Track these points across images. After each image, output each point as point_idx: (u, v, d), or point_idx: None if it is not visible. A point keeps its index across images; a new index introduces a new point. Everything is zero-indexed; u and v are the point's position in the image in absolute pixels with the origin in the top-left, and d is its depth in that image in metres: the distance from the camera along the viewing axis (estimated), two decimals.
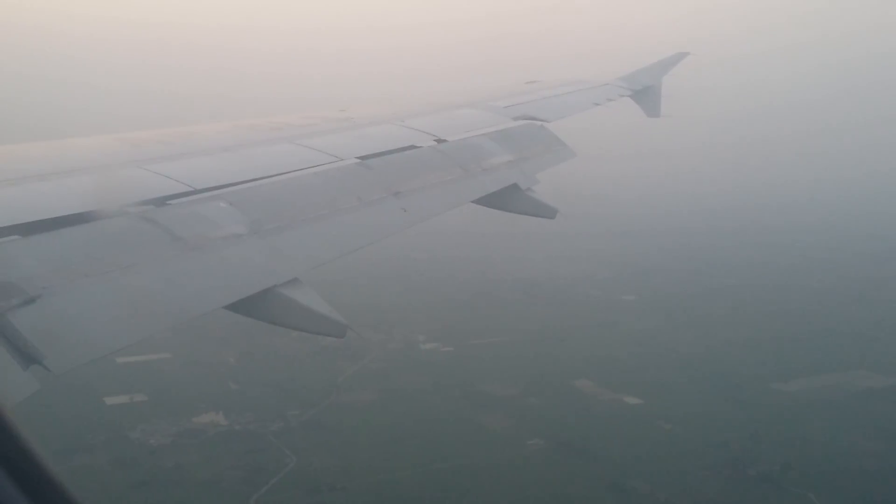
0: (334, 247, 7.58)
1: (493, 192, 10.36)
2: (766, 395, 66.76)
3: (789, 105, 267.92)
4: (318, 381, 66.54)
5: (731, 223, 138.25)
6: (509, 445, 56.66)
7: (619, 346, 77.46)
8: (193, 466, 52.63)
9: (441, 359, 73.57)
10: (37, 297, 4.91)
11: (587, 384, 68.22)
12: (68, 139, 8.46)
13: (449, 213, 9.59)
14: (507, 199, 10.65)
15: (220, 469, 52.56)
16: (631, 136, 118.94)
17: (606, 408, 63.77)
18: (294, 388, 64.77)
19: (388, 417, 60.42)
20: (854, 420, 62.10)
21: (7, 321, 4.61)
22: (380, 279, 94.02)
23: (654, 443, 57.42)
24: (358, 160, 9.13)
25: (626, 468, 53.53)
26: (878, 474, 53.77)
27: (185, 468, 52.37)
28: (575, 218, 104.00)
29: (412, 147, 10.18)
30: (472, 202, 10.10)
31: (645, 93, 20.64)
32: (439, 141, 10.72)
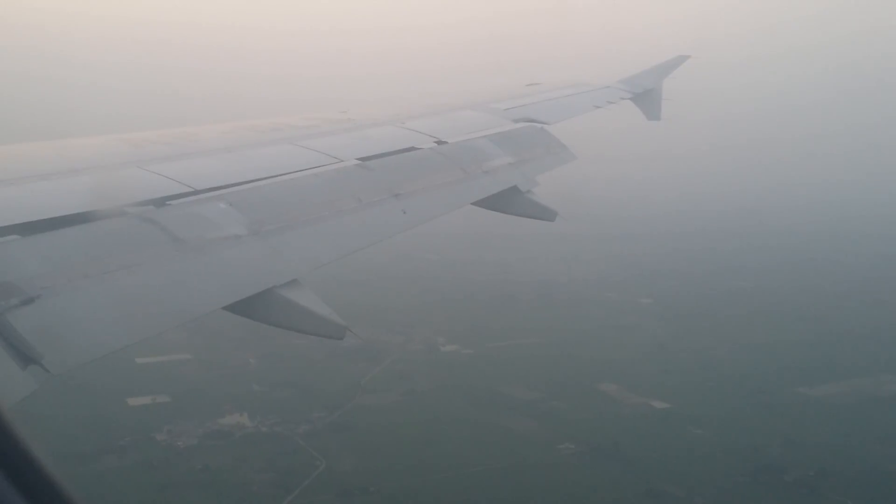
0: (334, 248, 7.58)
1: (493, 194, 10.38)
2: (792, 400, 66.19)
3: (791, 108, 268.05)
4: (340, 382, 66.25)
5: (736, 225, 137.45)
6: (540, 449, 56.14)
7: (641, 350, 76.83)
8: (223, 469, 52.33)
9: (462, 361, 73.22)
10: (36, 298, 4.91)
11: (612, 388, 67.69)
12: (68, 139, 8.47)
13: (449, 215, 9.59)
14: (507, 201, 10.66)
15: (250, 472, 52.21)
16: (631, 139, 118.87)
17: (634, 412, 63.27)
18: (317, 390, 64.43)
19: (414, 420, 60.08)
20: (885, 426, 61.20)
21: (6, 321, 4.61)
22: (394, 281, 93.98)
23: (685, 448, 56.89)
24: (358, 161, 9.15)
25: (660, 473, 53.03)
26: None
27: (214, 470, 52.08)
28: (579, 220, 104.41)
29: (412, 148, 10.19)
30: (472, 204, 10.11)
31: (645, 96, 20.67)
32: (439, 142, 10.74)
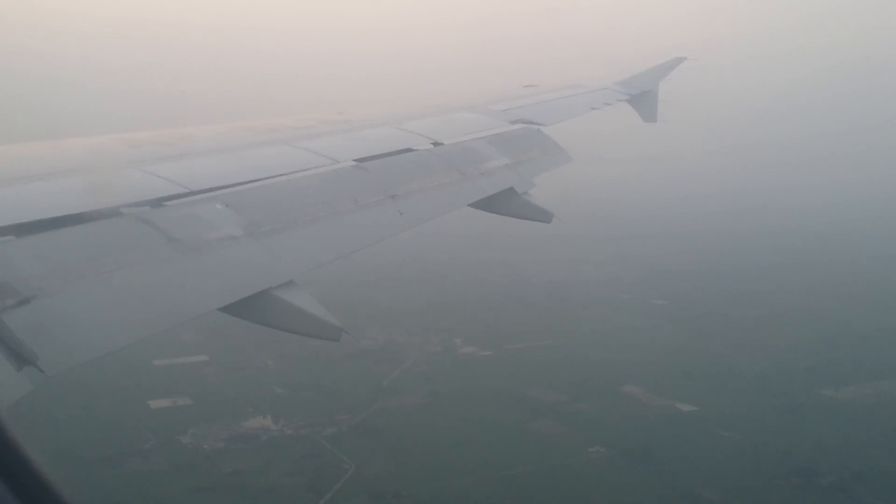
0: (330, 249, 7.61)
1: (490, 195, 10.40)
2: (818, 403, 65.51)
3: (789, 108, 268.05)
4: (361, 384, 65.79)
5: (739, 226, 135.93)
6: (569, 452, 55.50)
7: (661, 352, 76.15)
8: (252, 472, 51.70)
9: (481, 363, 72.68)
10: (31, 298, 4.92)
11: (636, 390, 67.01)
12: (65, 139, 8.47)
13: (446, 217, 9.62)
14: (504, 202, 10.70)
15: (279, 475, 51.58)
16: (628, 141, 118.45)
17: (660, 414, 62.69)
18: (338, 392, 63.97)
19: (439, 422, 59.56)
20: None
21: (1, 322, 4.61)
22: (402, 282, 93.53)
23: (716, 451, 56.29)
24: (355, 162, 9.17)
25: (693, 477, 52.47)
26: None
27: (243, 474, 51.49)
28: (579, 221, 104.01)
29: (409, 150, 10.22)
30: (469, 205, 10.13)
31: (642, 97, 20.72)
32: (436, 144, 10.76)
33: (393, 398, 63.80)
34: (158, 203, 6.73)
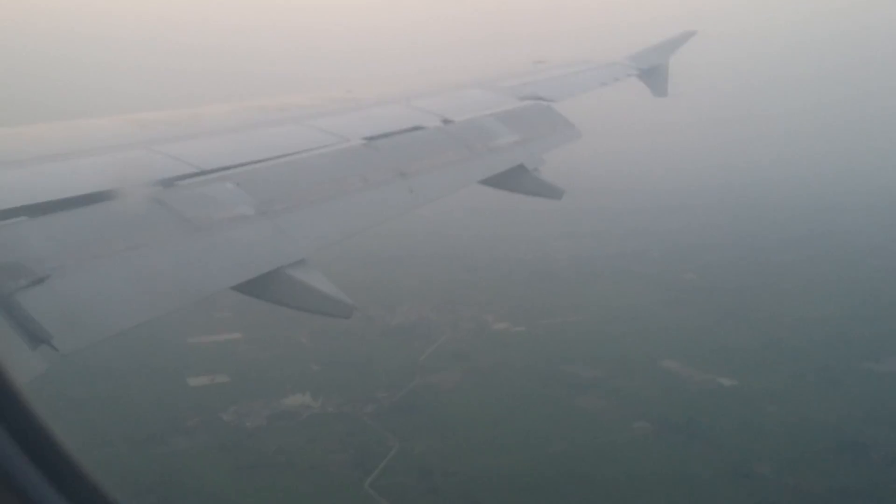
0: (341, 227, 7.65)
1: (500, 172, 10.40)
2: (860, 376, 64.59)
3: (801, 78, 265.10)
4: (397, 361, 65.55)
5: (759, 198, 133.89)
6: (614, 428, 55.12)
7: (695, 325, 75.39)
8: (296, 450, 51.55)
9: (515, 339, 72.15)
10: (45, 278, 4.97)
11: (674, 365, 66.47)
12: (75, 120, 8.51)
13: (456, 195, 9.63)
14: (514, 179, 10.71)
15: (324, 453, 51.49)
16: (639, 116, 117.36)
17: (703, 389, 62.10)
18: (375, 369, 63.73)
19: (480, 399, 59.28)
20: None
21: (15, 301, 4.66)
22: (425, 258, 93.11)
23: (763, 425, 55.73)
24: (364, 141, 9.18)
25: (743, 451, 51.89)
26: None
27: (288, 452, 51.34)
28: (594, 196, 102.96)
29: (419, 128, 10.21)
30: (479, 182, 10.14)
31: (652, 72, 20.62)
32: (446, 121, 10.75)
33: (430, 375, 63.53)
34: (170, 183, 6.77)
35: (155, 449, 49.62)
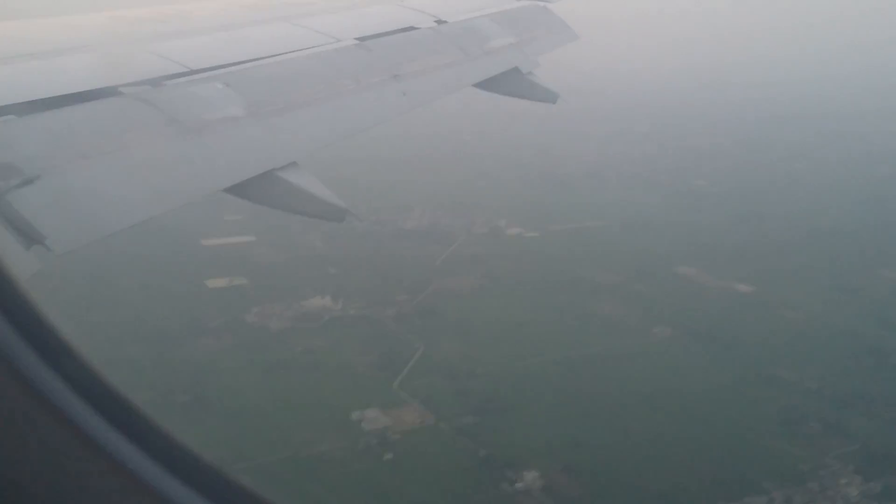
0: (333, 130, 7.59)
1: (494, 75, 10.25)
2: (877, 283, 64.46)
3: None
4: (414, 264, 65.27)
5: (762, 102, 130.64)
6: (634, 334, 55.18)
7: (709, 232, 74.74)
8: (323, 351, 51.62)
9: (530, 245, 71.80)
10: (35, 178, 4.94)
11: (691, 271, 66.31)
12: (62, 17, 8.32)
13: (449, 97, 9.50)
14: (509, 82, 10.55)
15: (351, 354, 51.49)
16: (636, 20, 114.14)
17: (721, 295, 62.08)
18: (392, 272, 63.42)
19: (499, 304, 59.27)
20: None
21: (6, 202, 4.65)
22: (431, 163, 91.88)
23: (782, 331, 55.78)
24: (356, 41, 9.02)
25: (764, 357, 51.95)
26: None
27: (315, 353, 51.42)
28: (594, 98, 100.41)
29: (411, 28, 10.01)
30: (473, 86, 10.01)
31: None
32: (439, 22, 10.54)
33: (448, 279, 63.34)
34: (158, 82, 6.67)
35: (182, 349, 49.83)
